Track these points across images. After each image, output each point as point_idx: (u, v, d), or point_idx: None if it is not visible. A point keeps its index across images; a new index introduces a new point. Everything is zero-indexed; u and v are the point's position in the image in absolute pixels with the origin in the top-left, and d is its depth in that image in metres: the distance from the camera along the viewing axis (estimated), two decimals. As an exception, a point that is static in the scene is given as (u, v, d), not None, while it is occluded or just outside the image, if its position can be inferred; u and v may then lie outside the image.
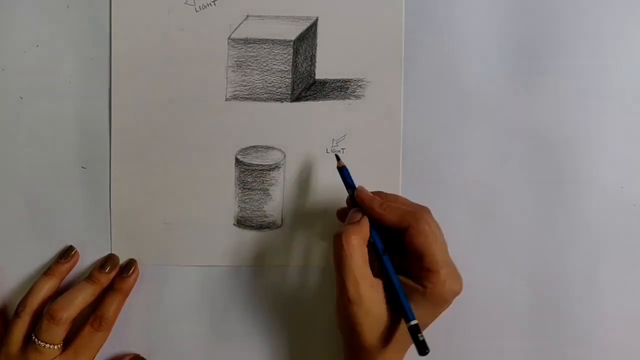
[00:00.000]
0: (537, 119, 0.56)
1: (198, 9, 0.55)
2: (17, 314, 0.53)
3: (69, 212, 0.55)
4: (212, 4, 0.55)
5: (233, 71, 0.56)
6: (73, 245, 0.55)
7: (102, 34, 0.55)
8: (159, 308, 0.56)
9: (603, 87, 0.56)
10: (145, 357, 0.55)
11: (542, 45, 0.56)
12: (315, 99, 0.56)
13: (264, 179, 0.56)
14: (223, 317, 0.56)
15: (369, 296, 0.47)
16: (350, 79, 0.56)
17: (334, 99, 0.56)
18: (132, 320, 0.55)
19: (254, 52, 0.56)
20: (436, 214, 0.55)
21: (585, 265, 0.56)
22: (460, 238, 0.56)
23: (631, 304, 0.55)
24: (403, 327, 0.47)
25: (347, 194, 0.52)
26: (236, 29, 0.55)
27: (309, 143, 0.56)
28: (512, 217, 0.56)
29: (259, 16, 0.56)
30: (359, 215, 0.50)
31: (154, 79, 0.55)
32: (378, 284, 0.48)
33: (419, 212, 0.49)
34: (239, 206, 0.56)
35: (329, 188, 0.55)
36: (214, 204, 0.56)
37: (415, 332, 0.46)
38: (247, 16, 0.56)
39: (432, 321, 0.50)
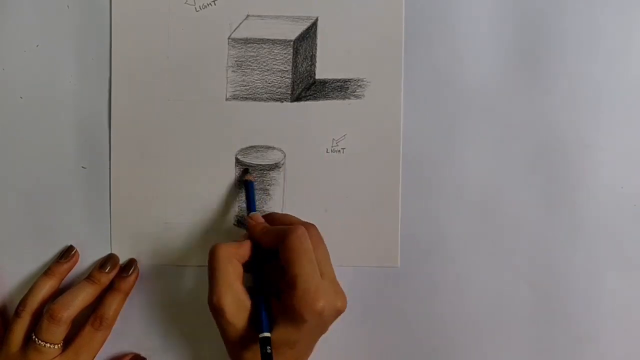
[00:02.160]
0: (537, 119, 0.56)
1: (198, 8, 0.55)
2: (17, 313, 0.53)
3: (69, 212, 0.55)
4: (212, 3, 0.55)
5: (233, 71, 0.56)
6: (73, 245, 0.55)
7: (102, 34, 0.55)
8: (159, 308, 0.56)
9: (603, 87, 0.56)
10: (145, 357, 0.55)
11: (542, 45, 0.56)
12: (315, 99, 0.56)
13: (264, 179, 0.56)
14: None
15: (232, 310, 0.47)
16: (350, 79, 0.56)
17: (334, 99, 0.56)
18: (132, 320, 0.55)
19: (254, 52, 0.56)
20: (436, 214, 0.55)
21: (585, 265, 0.56)
22: (460, 238, 0.56)
23: (631, 304, 0.55)
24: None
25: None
26: (236, 28, 0.56)
27: (309, 143, 0.56)
28: (512, 217, 0.56)
29: (259, 16, 0.56)
30: (244, 238, 0.51)
31: (154, 79, 0.55)
32: (245, 301, 0.48)
33: (292, 229, 0.48)
34: (239, 206, 0.56)
35: (329, 188, 0.55)
36: (214, 204, 0.56)
37: (264, 344, 0.46)
38: (247, 16, 0.56)
39: (304, 341, 0.49)
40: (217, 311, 0.48)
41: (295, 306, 0.47)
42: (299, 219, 0.53)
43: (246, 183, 0.55)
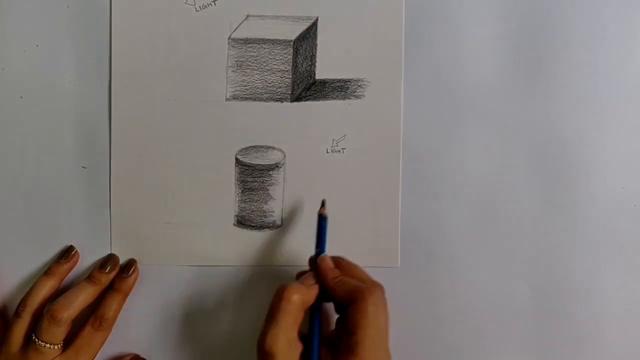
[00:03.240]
0: (537, 119, 0.56)
1: (198, 8, 0.55)
2: (18, 313, 0.53)
3: (69, 212, 0.55)
4: (212, 3, 0.55)
5: (233, 71, 0.56)
6: (73, 245, 0.55)
7: (102, 34, 0.55)
8: (159, 308, 0.56)
9: (603, 88, 0.56)
10: (145, 357, 0.55)
11: (542, 45, 0.56)
12: (315, 99, 0.56)
13: (264, 179, 0.56)
14: (223, 317, 0.56)
15: (283, 355, 0.46)
16: (350, 79, 0.56)
17: (334, 99, 0.56)
18: (132, 320, 0.55)
19: (254, 52, 0.56)
20: (436, 214, 0.55)
21: (585, 266, 0.56)
22: (460, 238, 0.56)
23: (631, 304, 0.55)
24: None
25: (315, 252, 0.52)
26: (236, 28, 0.55)
27: (309, 143, 0.56)
28: (512, 217, 0.56)
29: (259, 16, 0.56)
30: (312, 281, 0.50)
31: (154, 79, 0.55)
32: (298, 347, 0.47)
33: (368, 290, 0.47)
34: (239, 206, 0.56)
35: (329, 188, 0.55)
36: (214, 204, 0.56)
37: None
38: (247, 16, 0.56)
39: None
40: (266, 355, 0.46)
41: None
42: (369, 275, 0.51)
43: (320, 218, 0.53)
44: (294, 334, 0.47)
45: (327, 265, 0.50)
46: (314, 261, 0.51)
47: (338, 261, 0.52)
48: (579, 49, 0.56)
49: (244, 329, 0.56)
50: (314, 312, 0.49)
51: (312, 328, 0.49)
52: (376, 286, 0.49)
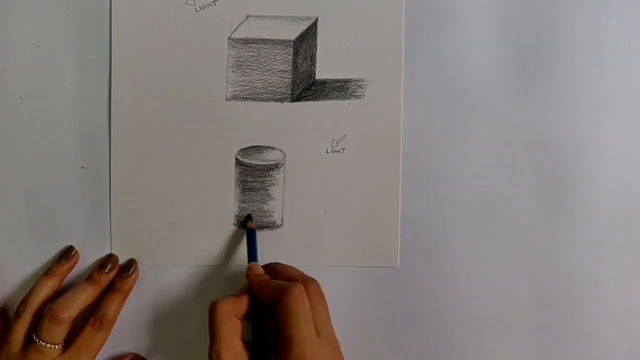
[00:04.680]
0: (537, 118, 0.56)
1: (198, 9, 0.55)
2: (18, 314, 0.53)
3: (69, 212, 0.55)
4: (213, 3, 0.55)
5: (233, 71, 0.56)
6: (73, 245, 0.55)
7: (102, 34, 0.55)
8: (159, 308, 0.56)
9: (603, 89, 0.56)
10: (145, 357, 0.55)
11: (543, 45, 0.56)
12: (315, 99, 0.56)
13: (264, 179, 0.56)
14: (223, 317, 0.56)
15: None
16: (350, 79, 0.56)
17: (334, 99, 0.56)
18: (132, 320, 0.55)
19: (254, 52, 0.56)
20: (436, 214, 0.55)
21: (585, 265, 0.56)
22: (460, 238, 0.56)
23: (631, 304, 0.56)
24: None
25: None
26: (236, 28, 0.55)
27: (309, 143, 0.56)
28: (511, 217, 0.56)
29: (259, 16, 0.56)
30: (243, 290, 0.51)
31: (154, 79, 0.55)
32: (244, 356, 0.48)
33: (289, 288, 0.48)
34: (239, 206, 0.56)
35: (329, 188, 0.55)
36: (214, 204, 0.56)
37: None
38: (248, 16, 0.56)
39: None
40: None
41: None
42: (301, 273, 0.52)
43: (248, 231, 0.54)
44: (237, 344, 0.48)
45: (254, 272, 0.51)
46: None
47: (271, 267, 0.53)
48: (579, 49, 0.56)
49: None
50: (253, 324, 0.50)
51: (252, 336, 0.50)
52: (302, 281, 0.49)
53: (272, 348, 0.50)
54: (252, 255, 0.53)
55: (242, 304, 0.50)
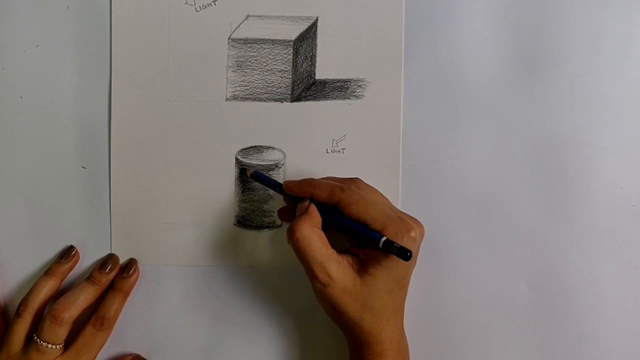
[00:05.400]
0: (536, 118, 0.56)
1: (198, 8, 0.55)
2: (19, 313, 0.53)
3: (69, 212, 0.55)
4: (213, 3, 0.55)
5: (233, 71, 0.56)
6: (73, 245, 0.55)
7: (102, 34, 0.55)
8: (159, 308, 0.56)
9: (602, 88, 0.56)
10: (145, 357, 0.55)
11: (542, 45, 0.56)
12: (315, 99, 0.56)
13: (264, 179, 0.56)
14: (223, 317, 0.56)
15: (340, 275, 0.48)
16: (350, 79, 0.56)
17: (334, 99, 0.56)
18: (132, 321, 0.55)
19: (254, 52, 0.56)
20: (436, 214, 0.55)
21: (585, 266, 0.56)
22: (460, 238, 0.56)
23: (631, 304, 0.56)
24: (381, 293, 0.49)
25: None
26: (236, 28, 0.55)
27: (309, 143, 0.56)
28: (511, 217, 0.56)
29: (259, 16, 0.56)
30: (305, 205, 0.50)
31: (154, 79, 0.55)
32: (344, 259, 0.49)
33: (345, 183, 0.50)
34: (239, 206, 0.56)
35: (329, 188, 0.55)
36: (214, 204, 0.56)
37: (389, 245, 0.47)
38: (248, 16, 0.56)
39: (408, 276, 0.51)
40: (327, 285, 0.48)
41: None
42: (337, 179, 0.53)
43: (255, 176, 0.54)
44: (331, 252, 0.49)
45: (294, 181, 0.52)
46: (284, 194, 0.52)
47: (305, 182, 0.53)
48: (578, 49, 0.56)
49: (244, 328, 0.56)
50: (331, 216, 0.50)
51: (340, 223, 0.50)
52: (351, 179, 0.52)
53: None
54: (274, 183, 0.54)
55: (314, 216, 0.50)
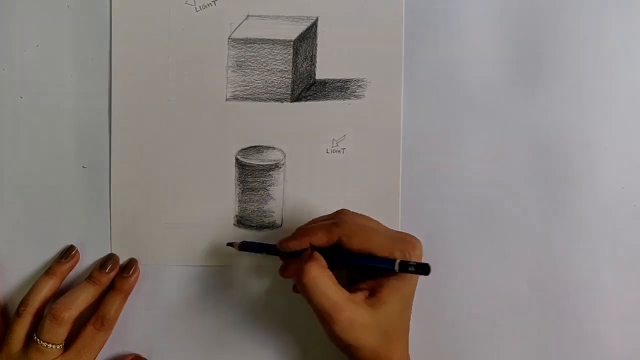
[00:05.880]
0: (537, 118, 0.56)
1: (198, 8, 0.55)
2: (19, 313, 0.53)
3: (69, 212, 0.55)
4: (212, 3, 0.55)
5: (233, 71, 0.56)
6: (73, 245, 0.55)
7: (102, 34, 0.55)
8: (159, 308, 0.56)
9: (603, 88, 0.56)
10: (145, 357, 0.55)
11: (543, 45, 0.56)
12: (315, 99, 0.56)
13: (264, 179, 0.56)
14: (223, 317, 0.56)
15: (358, 313, 0.47)
16: (350, 79, 0.56)
17: (334, 99, 0.56)
18: (132, 321, 0.55)
19: (254, 52, 0.56)
20: (436, 214, 0.55)
21: (585, 266, 0.56)
22: (460, 238, 0.56)
23: (631, 304, 0.55)
24: (393, 317, 0.48)
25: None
26: (236, 28, 0.55)
27: (309, 143, 0.56)
28: (512, 217, 0.56)
29: (259, 16, 0.55)
30: (308, 254, 0.49)
31: (154, 79, 0.55)
32: (357, 296, 0.48)
33: (337, 218, 0.49)
34: (239, 206, 0.56)
35: (329, 188, 0.55)
36: (214, 204, 0.56)
37: (405, 266, 0.47)
38: (248, 16, 0.56)
39: (412, 292, 0.50)
40: (349, 326, 0.47)
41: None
42: (325, 217, 0.52)
43: (244, 247, 0.54)
44: (343, 291, 0.47)
45: (288, 238, 0.50)
46: (282, 254, 0.51)
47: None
48: (579, 49, 0.56)
49: (244, 328, 0.56)
50: (336, 258, 0.49)
51: (346, 260, 0.49)
52: (339, 212, 0.51)
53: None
54: (265, 247, 0.53)
55: (319, 259, 0.48)
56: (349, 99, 0.56)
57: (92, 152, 0.56)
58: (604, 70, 0.56)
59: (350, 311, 0.47)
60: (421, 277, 0.55)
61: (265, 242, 0.54)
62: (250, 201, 0.56)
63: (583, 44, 0.56)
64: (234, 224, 0.56)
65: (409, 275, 0.48)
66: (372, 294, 0.48)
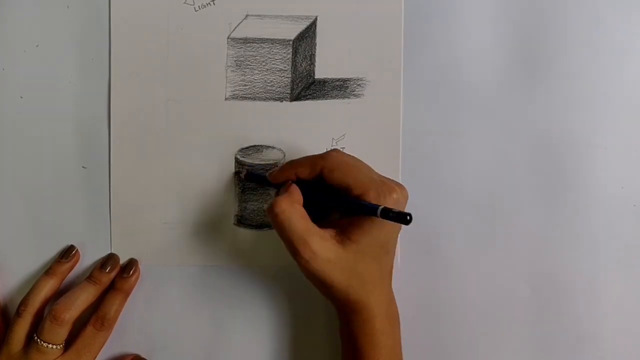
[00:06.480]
0: (537, 118, 0.56)
1: (197, 8, 0.55)
2: (19, 313, 0.53)
3: (69, 212, 0.56)
4: (212, 3, 0.55)
5: (232, 71, 0.56)
6: (73, 244, 0.55)
7: (102, 34, 0.55)
8: (159, 308, 0.56)
9: (603, 88, 0.55)
10: (145, 357, 0.55)
11: (542, 45, 0.56)
12: (314, 98, 0.56)
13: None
14: (223, 317, 0.56)
15: (322, 247, 0.48)
16: (350, 79, 0.55)
17: (334, 98, 0.56)
18: (132, 321, 0.55)
19: (254, 51, 0.56)
20: (436, 214, 0.55)
21: (585, 265, 0.55)
22: (460, 238, 0.56)
23: (631, 304, 0.55)
24: (366, 260, 0.48)
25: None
26: (236, 28, 0.55)
27: (309, 143, 0.56)
28: (512, 217, 0.56)
29: (258, 15, 0.55)
30: (287, 185, 0.50)
31: (153, 79, 0.55)
32: (326, 232, 0.48)
33: (325, 153, 0.50)
34: (239, 206, 0.56)
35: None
36: (214, 204, 0.56)
37: (386, 213, 0.47)
38: (247, 15, 0.55)
39: (393, 239, 0.51)
40: (310, 260, 0.47)
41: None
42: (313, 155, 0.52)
43: (249, 177, 0.54)
44: (312, 226, 0.48)
45: (276, 169, 0.52)
46: (271, 184, 0.52)
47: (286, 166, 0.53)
48: (578, 49, 0.55)
49: (244, 328, 0.56)
50: (312, 193, 0.50)
51: (327, 196, 0.50)
52: (331, 150, 0.51)
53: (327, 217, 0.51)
54: (265, 179, 0.53)
55: (294, 194, 0.49)
56: (349, 98, 0.56)
57: (92, 152, 0.56)
58: (604, 70, 0.55)
59: (315, 244, 0.47)
60: (422, 275, 0.55)
61: (261, 175, 0.54)
62: (250, 201, 0.56)
63: (583, 44, 0.55)
64: (233, 224, 0.56)
65: (385, 221, 0.47)
66: (344, 233, 0.49)
